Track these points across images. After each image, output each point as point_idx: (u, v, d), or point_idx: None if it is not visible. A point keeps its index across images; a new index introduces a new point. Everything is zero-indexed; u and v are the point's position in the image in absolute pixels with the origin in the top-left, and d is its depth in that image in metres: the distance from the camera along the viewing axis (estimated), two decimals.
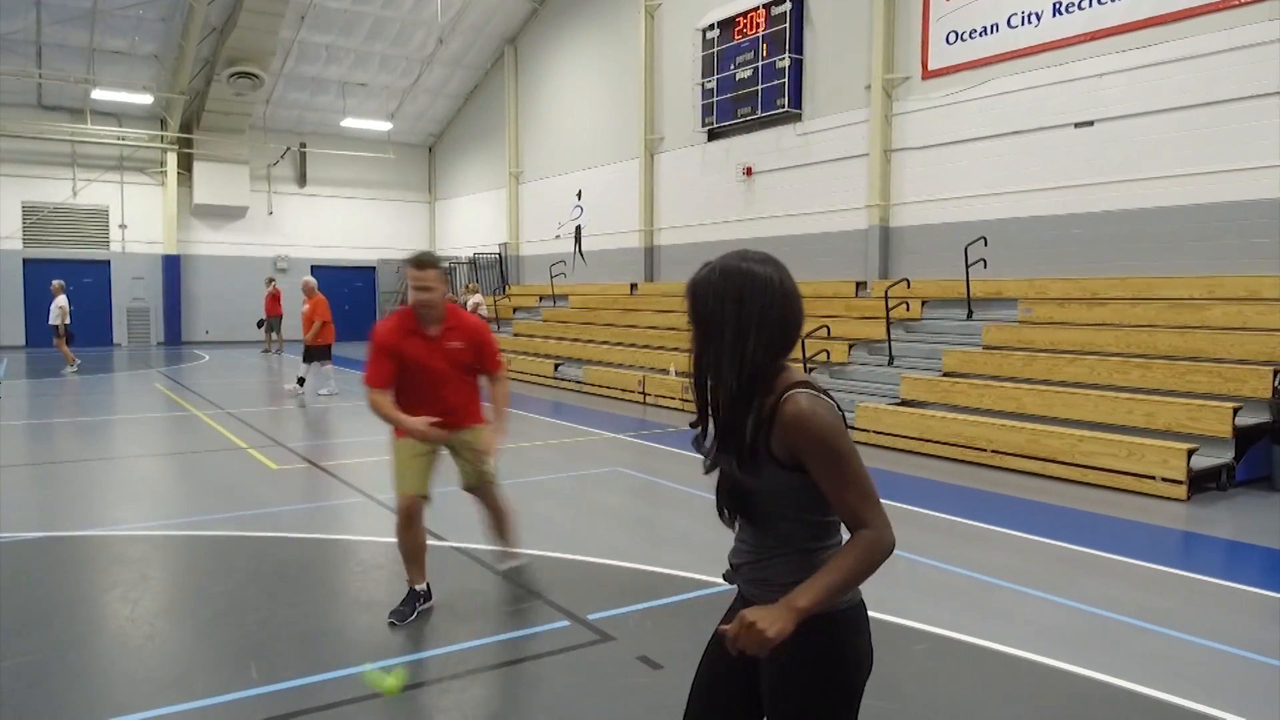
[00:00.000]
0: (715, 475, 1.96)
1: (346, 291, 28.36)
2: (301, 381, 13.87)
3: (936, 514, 6.73)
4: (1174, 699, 3.63)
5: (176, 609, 4.66)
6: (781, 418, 1.76)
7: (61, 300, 17.06)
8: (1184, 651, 4.16)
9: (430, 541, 5.69)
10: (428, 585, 4.60)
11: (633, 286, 18.96)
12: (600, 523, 5.30)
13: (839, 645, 1.86)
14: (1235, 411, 7.57)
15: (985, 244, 12.01)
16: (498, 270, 24.44)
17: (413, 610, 4.47)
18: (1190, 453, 7.21)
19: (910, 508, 6.95)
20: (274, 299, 22.47)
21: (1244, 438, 7.59)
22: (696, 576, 5.11)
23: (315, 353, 13.79)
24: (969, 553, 5.69)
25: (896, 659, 4.07)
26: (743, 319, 1.78)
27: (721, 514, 1.97)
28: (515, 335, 19.55)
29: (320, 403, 13.34)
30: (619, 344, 15.89)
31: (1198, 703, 3.59)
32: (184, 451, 9.25)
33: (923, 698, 3.67)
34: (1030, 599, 4.84)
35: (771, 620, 1.67)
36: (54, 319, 17.12)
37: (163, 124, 24.13)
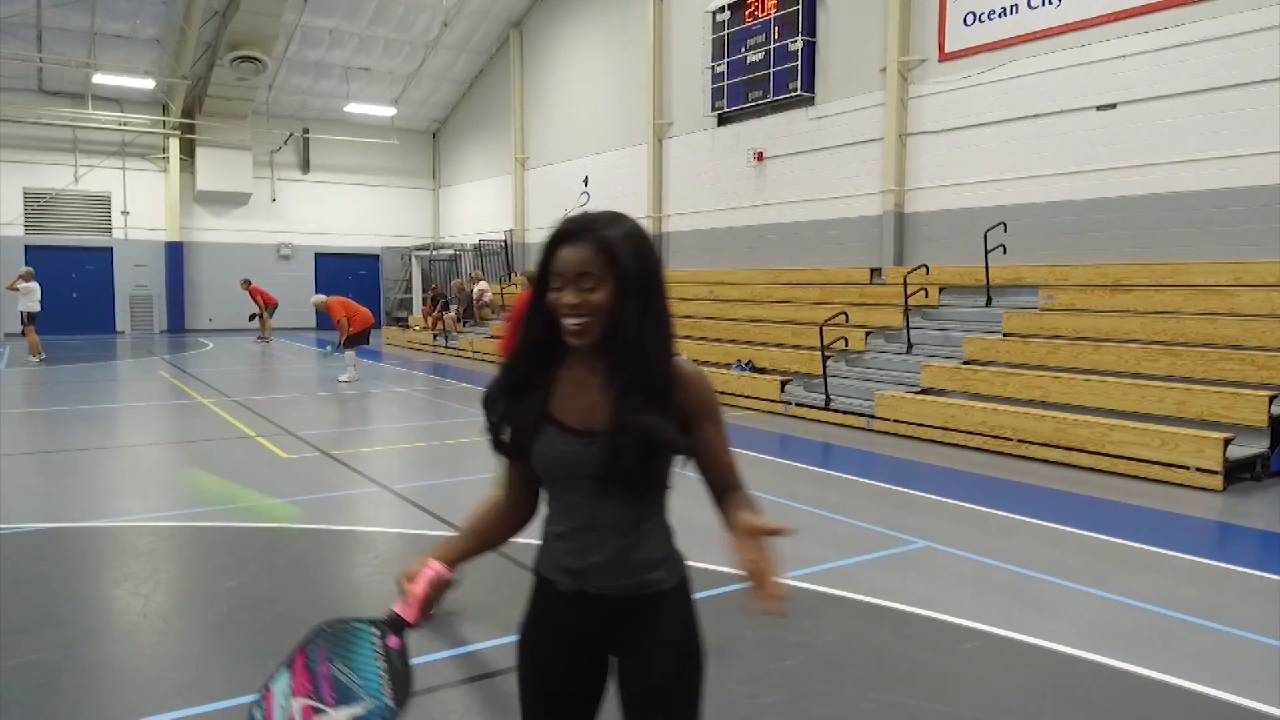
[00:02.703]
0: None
1: (350, 279, 28.13)
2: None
3: (967, 505, 6.55)
4: (1238, 699, 3.45)
5: (190, 603, 4.48)
6: (682, 374, 1.72)
7: (30, 286, 16.46)
8: (1243, 649, 3.99)
9: (447, 532, 5.47)
10: None
11: None
12: None
13: (696, 616, 1.82)
14: (1271, 400, 7.38)
15: (1005, 230, 11.79)
16: (503, 258, 24.21)
17: None
18: (1227, 442, 7.02)
19: (940, 499, 6.78)
20: (258, 292, 22.10)
21: (1279, 427, 7.40)
22: (712, 568, 4.92)
23: (359, 339, 14.14)
24: (1005, 545, 5.51)
25: (946, 658, 3.90)
26: (660, 278, 1.73)
27: (566, 486, 1.73)
28: None
29: (337, 390, 13.22)
30: None
31: (1265, 704, 3.41)
32: (192, 440, 9.07)
33: (978, 699, 3.49)
34: (1075, 593, 4.66)
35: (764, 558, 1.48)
36: (23, 305, 16.74)
37: (165, 109, 23.89)
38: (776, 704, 3.40)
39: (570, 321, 1.65)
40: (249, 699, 3.33)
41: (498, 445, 1.81)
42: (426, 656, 3.82)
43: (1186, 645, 4.02)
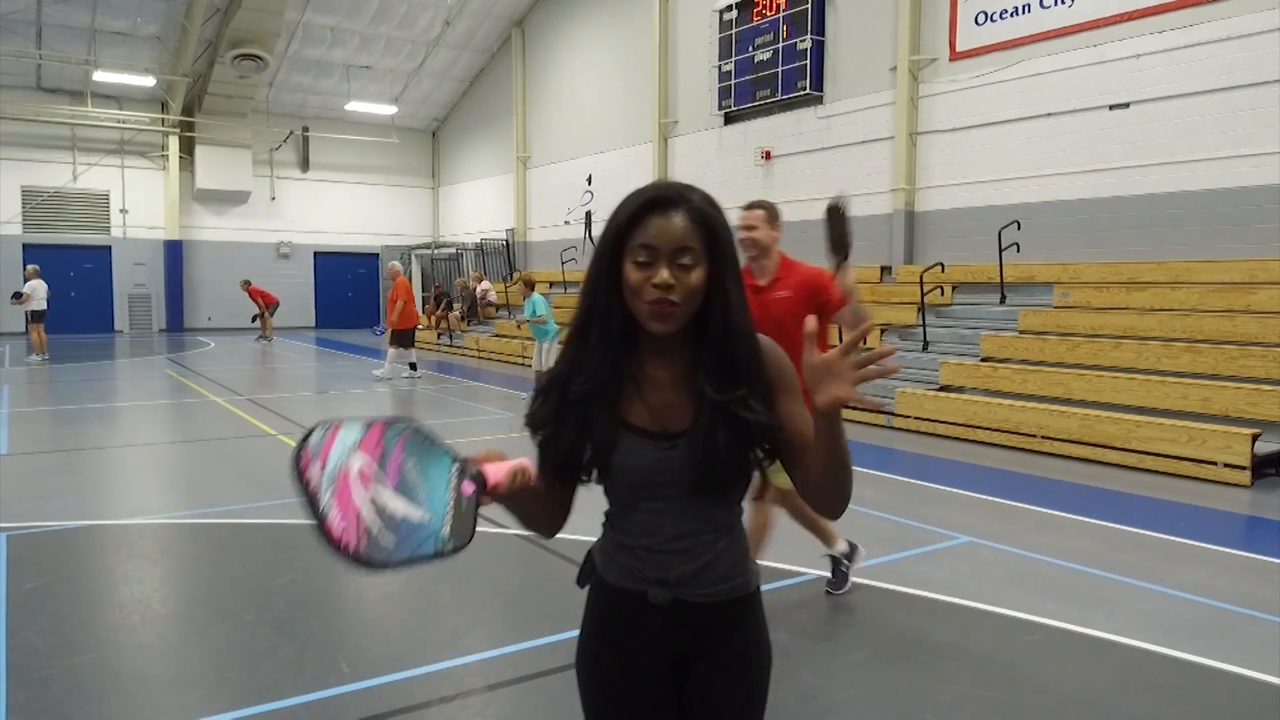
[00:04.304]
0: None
1: (349, 278, 28.08)
2: (414, 366, 14.14)
3: (1002, 500, 6.57)
4: None
5: (247, 601, 4.43)
6: (764, 349, 1.56)
7: (33, 284, 16.34)
8: None
9: (490, 529, 5.52)
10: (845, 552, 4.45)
11: None
12: None
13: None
14: None
15: (1018, 228, 11.83)
16: (504, 257, 24.17)
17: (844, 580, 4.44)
18: (1255, 437, 7.07)
19: (975, 494, 6.80)
20: (258, 292, 22.01)
21: None
22: (775, 565, 4.92)
23: (402, 337, 13.97)
24: (1047, 540, 5.53)
25: (1012, 651, 3.91)
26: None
27: (648, 496, 1.56)
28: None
29: (365, 387, 13.17)
30: None
31: None
32: (213, 438, 9.01)
33: (1051, 690, 3.50)
34: (1127, 587, 4.68)
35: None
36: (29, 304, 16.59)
37: (164, 107, 23.75)
38: (853, 697, 3.40)
39: (658, 305, 1.46)
40: (319, 696, 3.34)
41: (562, 464, 1.56)
42: (503, 649, 3.80)
43: (1248, 636, 4.03)
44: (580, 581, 1.70)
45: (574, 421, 1.53)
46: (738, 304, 1.51)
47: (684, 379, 1.54)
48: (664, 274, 1.44)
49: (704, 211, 1.49)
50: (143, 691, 3.48)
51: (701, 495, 1.54)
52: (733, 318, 1.50)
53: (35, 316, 16.31)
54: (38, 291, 16.33)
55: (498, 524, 5.71)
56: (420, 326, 22.81)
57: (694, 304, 1.48)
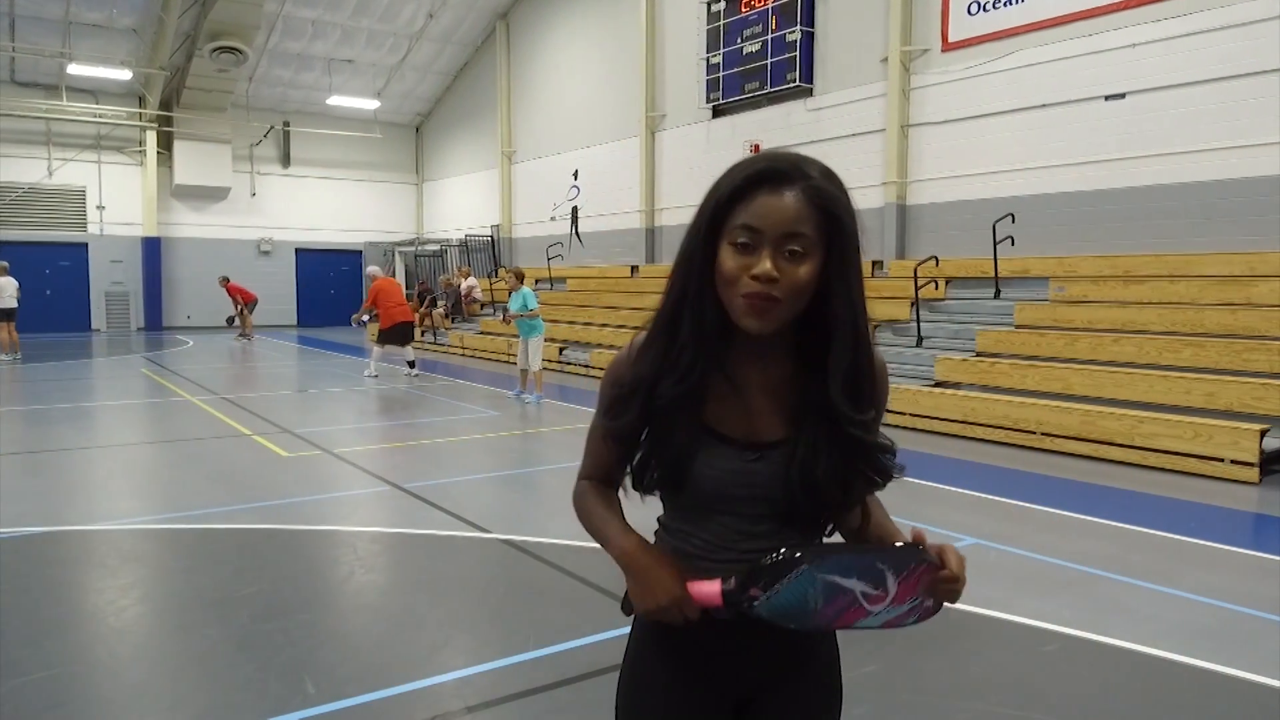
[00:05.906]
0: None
1: (332, 275, 27.68)
2: (412, 364, 13.81)
3: (1006, 500, 6.34)
4: None
5: (209, 613, 4.13)
6: (876, 366, 1.38)
7: (1, 281, 15.92)
8: None
9: (472, 534, 5.30)
10: None
11: (634, 269, 18.45)
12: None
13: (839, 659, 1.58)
14: None
15: (1013, 221, 11.62)
16: (489, 253, 23.83)
17: None
18: (1263, 433, 6.86)
19: (978, 494, 6.56)
20: (237, 290, 21.57)
21: None
22: None
23: (390, 336, 13.69)
24: (1055, 540, 5.30)
25: (1030, 661, 3.66)
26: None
27: (723, 509, 1.38)
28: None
29: (344, 385, 12.85)
30: (623, 326, 15.41)
31: None
32: (186, 439, 8.68)
33: (1074, 706, 3.25)
34: (1146, 591, 4.45)
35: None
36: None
37: (141, 101, 23.26)
38: (865, 715, 3.15)
39: (755, 300, 1.24)
40: (307, 713, 3.06)
41: (638, 472, 1.40)
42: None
43: (1273, 643, 3.80)
44: (626, 607, 1.43)
45: (657, 428, 1.37)
46: (863, 307, 1.32)
47: (781, 385, 1.36)
48: (765, 264, 1.23)
49: (824, 191, 1.27)
50: (90, 715, 3.19)
51: (788, 522, 1.37)
52: (860, 324, 1.31)
53: (5, 315, 15.86)
54: (6, 289, 15.87)
55: (481, 528, 5.44)
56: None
57: (800, 302, 1.27)
